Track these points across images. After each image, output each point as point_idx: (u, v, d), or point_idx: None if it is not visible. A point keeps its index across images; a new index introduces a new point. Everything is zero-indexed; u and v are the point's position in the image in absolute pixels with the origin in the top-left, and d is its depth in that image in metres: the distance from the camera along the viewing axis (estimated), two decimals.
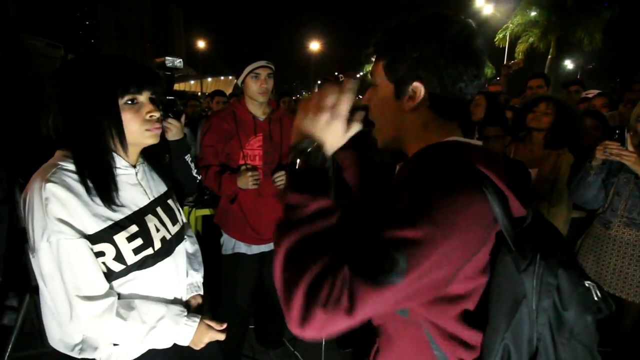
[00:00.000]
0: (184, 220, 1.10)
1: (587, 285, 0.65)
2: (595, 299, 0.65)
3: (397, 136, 0.71)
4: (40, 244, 0.77)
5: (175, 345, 0.94)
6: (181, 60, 1.23)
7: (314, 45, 28.53)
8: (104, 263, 0.84)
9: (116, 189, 0.85)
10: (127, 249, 0.86)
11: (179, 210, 1.06)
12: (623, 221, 1.63)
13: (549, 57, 15.47)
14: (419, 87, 0.65)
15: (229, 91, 6.41)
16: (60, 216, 0.77)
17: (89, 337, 0.86)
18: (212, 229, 2.07)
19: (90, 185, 0.81)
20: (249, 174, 1.70)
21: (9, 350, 1.69)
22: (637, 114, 1.59)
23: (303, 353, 2.20)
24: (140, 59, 1.02)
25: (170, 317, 0.91)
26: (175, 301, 1.00)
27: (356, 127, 0.64)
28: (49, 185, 0.77)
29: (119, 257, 0.85)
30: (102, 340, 0.87)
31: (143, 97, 0.86)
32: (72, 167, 0.82)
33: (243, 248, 1.85)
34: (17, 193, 1.66)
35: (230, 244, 1.87)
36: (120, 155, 0.89)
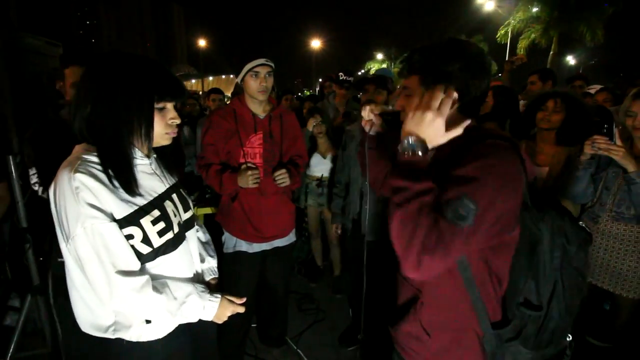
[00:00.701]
0: (193, 209, 1.18)
1: (580, 224, 0.91)
2: (585, 234, 0.88)
3: None
4: (76, 230, 0.82)
5: (191, 327, 1.03)
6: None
7: (316, 43, 28.44)
8: (132, 246, 0.90)
9: (135, 179, 0.92)
10: (152, 231, 0.93)
11: (189, 198, 1.14)
12: (611, 215, 1.62)
13: (551, 53, 15.37)
14: (454, 95, 0.82)
15: (230, 90, 6.40)
16: (91, 202, 0.83)
17: (123, 315, 0.92)
18: (213, 227, 2.07)
19: (112, 174, 0.87)
20: (250, 172, 1.69)
21: (11, 350, 1.69)
22: (625, 108, 1.57)
23: (306, 351, 2.20)
24: None
25: (196, 293, 0.98)
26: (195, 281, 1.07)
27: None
28: (78, 175, 0.83)
29: (146, 240, 0.92)
30: (137, 317, 0.93)
31: (170, 105, 0.95)
32: (94, 159, 0.88)
33: (244, 246, 1.85)
34: (17, 193, 1.66)
35: (232, 242, 1.86)
36: (137, 148, 0.96)
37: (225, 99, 4.89)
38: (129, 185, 0.89)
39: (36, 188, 1.24)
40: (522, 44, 15.31)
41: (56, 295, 1.45)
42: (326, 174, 2.78)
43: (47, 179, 1.21)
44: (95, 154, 0.88)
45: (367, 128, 1.06)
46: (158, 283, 0.93)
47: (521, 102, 3.02)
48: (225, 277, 1.90)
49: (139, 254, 0.91)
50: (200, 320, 1.01)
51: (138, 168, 0.95)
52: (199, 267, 1.14)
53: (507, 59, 4.65)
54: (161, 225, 0.95)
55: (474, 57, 0.83)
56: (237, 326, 1.91)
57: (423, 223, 0.71)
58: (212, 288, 1.15)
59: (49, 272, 1.45)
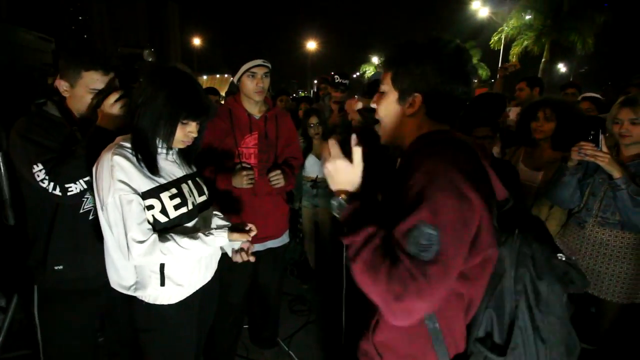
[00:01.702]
0: (208, 194, 1.35)
1: (559, 257, 0.74)
2: (567, 271, 0.73)
3: (397, 134, 0.86)
4: (108, 199, 1.06)
5: (201, 305, 1.29)
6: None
7: (311, 45, 28.47)
8: (153, 216, 1.12)
9: (156, 163, 1.15)
10: (169, 205, 1.15)
11: (205, 186, 1.34)
12: (597, 221, 1.64)
13: (543, 60, 15.62)
14: (418, 98, 0.79)
15: (224, 89, 6.36)
16: (121, 178, 1.06)
17: (142, 276, 1.17)
18: None
19: (140, 157, 1.11)
20: (244, 172, 1.69)
21: None
22: (612, 116, 1.60)
23: (297, 353, 2.19)
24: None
25: (202, 233, 1.16)
26: (202, 260, 1.26)
27: (357, 150, 0.77)
28: (115, 157, 1.07)
29: (164, 211, 1.14)
30: (152, 277, 1.16)
31: (193, 123, 1.16)
32: (128, 144, 1.12)
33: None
34: (5, 187, 1.62)
35: None
36: (161, 141, 1.18)
37: (220, 99, 4.86)
38: (151, 167, 1.13)
39: (45, 185, 1.19)
40: (515, 51, 15.52)
41: (41, 312, 1.37)
42: (321, 175, 2.78)
43: (58, 174, 1.20)
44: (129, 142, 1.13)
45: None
46: (163, 238, 1.10)
47: (514, 108, 3.06)
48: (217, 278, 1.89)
49: (157, 222, 1.12)
50: (204, 302, 1.22)
51: (160, 156, 1.18)
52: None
53: (500, 65, 4.73)
54: (177, 200, 1.17)
55: (449, 59, 0.77)
56: (229, 327, 1.89)
57: (382, 271, 0.64)
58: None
59: (34, 287, 1.35)
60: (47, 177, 1.19)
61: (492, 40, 16.32)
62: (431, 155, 0.70)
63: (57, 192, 1.21)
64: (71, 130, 1.30)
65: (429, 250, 0.62)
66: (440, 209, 0.64)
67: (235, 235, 1.21)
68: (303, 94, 14.43)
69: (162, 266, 1.16)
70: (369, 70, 29.03)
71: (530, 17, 15.33)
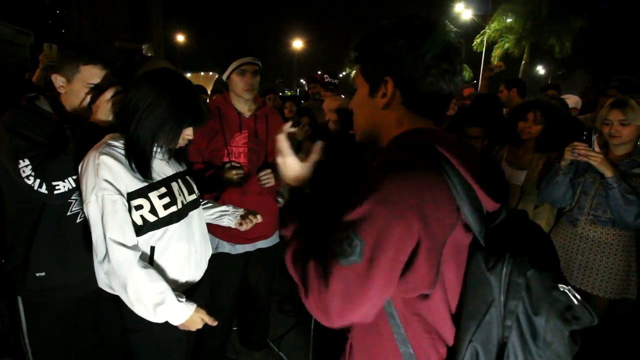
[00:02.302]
0: (198, 193, 1.33)
1: (561, 289, 0.60)
2: (572, 304, 0.59)
3: (373, 133, 0.74)
4: (90, 197, 1.03)
5: None
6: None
7: (297, 44, 28.34)
8: (142, 215, 1.09)
9: (150, 168, 1.12)
10: (158, 204, 1.12)
11: (194, 184, 1.31)
12: (589, 219, 1.70)
13: (523, 62, 16.09)
14: (389, 83, 0.67)
15: (209, 87, 6.25)
16: (106, 178, 1.03)
17: (117, 278, 1.06)
18: None
19: (132, 159, 1.07)
20: (234, 171, 1.66)
21: None
22: (602, 117, 1.66)
23: (288, 354, 2.17)
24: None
25: (172, 294, 1.08)
26: (192, 258, 1.24)
27: (314, 156, 0.76)
28: (102, 157, 1.04)
29: (153, 211, 1.11)
30: (127, 286, 1.06)
31: (191, 128, 1.16)
32: (118, 144, 1.09)
33: (227, 247, 1.80)
34: None
35: (214, 243, 1.80)
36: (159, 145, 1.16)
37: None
38: (145, 172, 1.10)
39: (30, 182, 1.12)
40: (497, 53, 15.93)
41: (30, 322, 1.29)
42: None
43: (45, 170, 1.13)
44: (122, 140, 1.10)
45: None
46: (144, 265, 1.06)
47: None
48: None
49: (145, 222, 1.10)
50: (195, 301, 1.13)
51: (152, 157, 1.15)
52: (200, 243, 1.29)
53: (482, 66, 4.83)
54: (166, 200, 1.15)
55: (418, 32, 0.64)
56: (219, 329, 1.85)
57: (299, 264, 0.64)
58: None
59: (17, 297, 1.27)
60: (33, 174, 1.11)
61: (474, 43, 16.68)
62: (385, 163, 0.61)
63: (43, 189, 1.13)
64: (62, 126, 1.24)
65: (347, 258, 0.57)
66: (370, 220, 0.57)
67: (197, 320, 1.13)
68: (289, 93, 14.35)
69: (150, 264, 1.12)
70: (355, 70, 29.10)
71: (511, 20, 15.76)
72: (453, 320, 0.67)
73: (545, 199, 1.78)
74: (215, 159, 1.73)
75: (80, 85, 1.24)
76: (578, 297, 0.61)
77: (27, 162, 1.12)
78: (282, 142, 0.76)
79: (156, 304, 1.04)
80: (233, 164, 1.73)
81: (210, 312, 1.16)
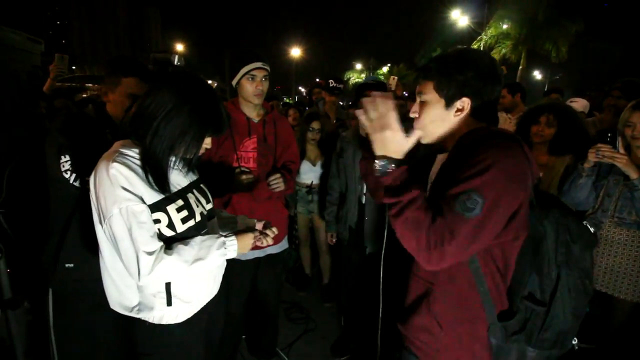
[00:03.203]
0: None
1: (584, 223, 0.96)
2: (590, 234, 0.93)
3: (444, 135, 0.96)
4: (113, 211, 0.94)
5: (208, 320, 1.20)
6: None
7: (296, 52, 28.57)
8: (159, 229, 1.02)
9: (167, 180, 1.04)
10: (176, 218, 1.05)
11: (208, 192, 1.25)
12: (614, 221, 1.68)
13: (520, 67, 16.24)
14: (467, 102, 0.91)
15: None
16: (125, 187, 0.96)
17: (146, 297, 1.05)
18: None
19: (149, 171, 1.00)
20: (244, 176, 1.65)
21: None
22: (624, 119, 1.65)
23: None
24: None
25: (211, 239, 1.07)
26: (211, 273, 1.19)
27: (416, 136, 0.88)
28: (116, 165, 0.96)
29: (170, 225, 1.04)
30: (159, 296, 1.05)
31: (210, 137, 1.10)
32: (131, 153, 1.01)
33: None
34: None
35: None
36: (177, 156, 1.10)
37: None
38: (162, 184, 1.02)
39: (67, 176, 1.25)
40: None
41: (57, 316, 1.34)
42: (316, 181, 2.76)
43: (80, 166, 1.23)
44: (135, 149, 1.02)
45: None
46: (169, 247, 1.02)
47: (499, 113, 3.14)
48: None
49: (162, 237, 1.02)
50: (212, 317, 1.15)
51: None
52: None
53: None
54: (184, 213, 1.08)
55: (486, 65, 0.91)
56: (228, 338, 1.83)
57: (423, 223, 0.79)
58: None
59: (49, 290, 1.33)
60: (70, 169, 1.25)
61: None
62: (492, 146, 0.83)
63: (77, 184, 1.24)
64: (104, 131, 1.37)
65: (471, 212, 0.76)
66: (491, 184, 0.78)
67: (247, 240, 1.15)
68: (288, 100, 14.43)
69: (167, 284, 1.06)
70: (353, 77, 29.37)
71: (507, 26, 15.96)
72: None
73: (568, 202, 1.76)
74: (225, 164, 1.72)
75: (121, 96, 1.38)
76: (592, 228, 0.98)
77: (67, 157, 1.25)
78: (392, 115, 0.83)
79: (202, 257, 1.04)
80: (243, 169, 1.72)
81: (227, 320, 1.16)
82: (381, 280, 1.12)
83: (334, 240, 2.39)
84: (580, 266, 0.90)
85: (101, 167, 0.97)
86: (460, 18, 17.97)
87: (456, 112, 0.92)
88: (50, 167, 1.27)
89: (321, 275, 2.95)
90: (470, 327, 0.92)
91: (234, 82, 1.70)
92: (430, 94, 0.93)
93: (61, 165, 1.24)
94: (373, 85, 2.05)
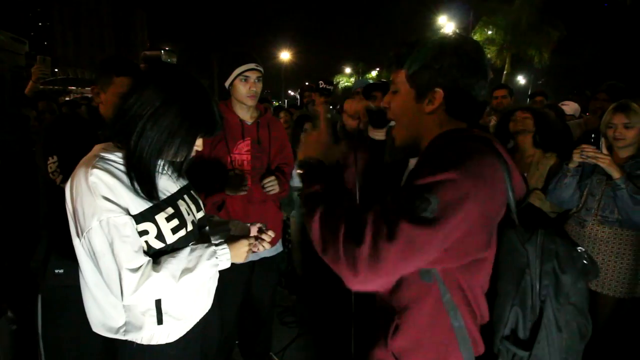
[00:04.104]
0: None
1: (579, 250, 0.78)
2: (585, 262, 0.77)
3: (415, 135, 0.82)
4: (92, 223, 0.84)
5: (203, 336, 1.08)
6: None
7: (285, 55, 28.64)
8: (146, 242, 0.92)
9: (155, 187, 0.95)
10: (166, 228, 0.95)
11: (199, 199, 1.15)
12: (597, 219, 1.73)
13: (505, 72, 16.65)
14: (439, 93, 0.76)
15: None
16: (107, 196, 0.85)
17: (135, 316, 0.95)
18: None
19: (134, 177, 0.90)
20: (238, 179, 1.63)
21: None
22: (606, 121, 1.72)
23: None
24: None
25: (200, 249, 0.98)
26: (204, 287, 1.10)
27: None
28: (96, 171, 0.86)
29: (159, 236, 0.94)
30: (148, 315, 0.95)
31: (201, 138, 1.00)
32: (113, 157, 0.91)
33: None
34: None
35: None
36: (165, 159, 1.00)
37: None
38: (150, 191, 0.93)
39: (55, 176, 1.23)
40: None
41: (46, 324, 1.29)
42: None
43: (68, 168, 1.15)
44: (118, 153, 0.92)
45: (349, 124, 0.98)
46: (155, 261, 0.93)
47: (494, 117, 3.19)
48: None
49: (150, 249, 0.93)
50: (207, 332, 1.06)
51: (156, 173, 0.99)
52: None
53: None
54: (175, 222, 0.98)
55: (467, 53, 0.75)
56: (222, 345, 1.79)
57: (334, 223, 0.68)
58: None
59: (38, 296, 1.29)
60: (58, 170, 1.23)
61: None
62: (462, 147, 0.70)
63: (64, 184, 1.18)
64: (96, 132, 1.31)
65: (423, 212, 0.62)
66: (455, 189, 0.63)
67: (242, 248, 1.05)
68: (277, 104, 14.41)
69: (158, 301, 0.97)
70: (342, 81, 29.56)
71: (491, 32, 16.37)
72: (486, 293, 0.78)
73: (553, 201, 1.82)
74: (219, 167, 1.70)
75: (113, 96, 1.33)
76: (587, 255, 0.78)
77: (55, 159, 1.24)
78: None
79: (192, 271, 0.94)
80: (236, 171, 1.70)
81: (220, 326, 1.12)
82: (353, 301, 1.01)
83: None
84: (572, 301, 0.75)
85: (79, 173, 0.87)
86: (446, 24, 18.34)
87: (428, 105, 0.78)
88: (41, 168, 1.25)
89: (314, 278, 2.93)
90: None
91: (227, 83, 1.69)
92: (401, 84, 0.80)
93: (49, 167, 1.22)
94: (379, 85, 2.10)
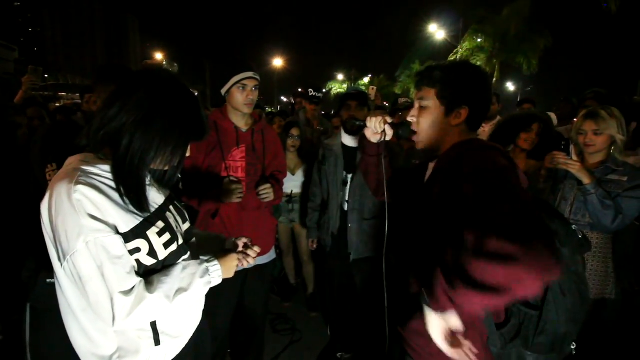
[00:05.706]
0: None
1: (573, 228, 0.97)
2: (579, 237, 0.95)
3: (439, 143, 1.02)
4: (77, 245, 0.76)
5: (195, 346, 1.05)
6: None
7: (278, 62, 28.73)
8: (137, 260, 0.86)
9: (146, 199, 0.89)
10: (158, 243, 0.90)
11: (183, 209, 1.10)
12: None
13: (494, 79, 16.95)
14: (465, 110, 0.97)
15: None
16: (93, 214, 0.78)
17: (129, 340, 0.88)
18: None
19: (123, 192, 0.84)
20: (233, 186, 1.63)
21: None
22: (577, 128, 1.78)
23: None
24: (91, 70, 1.36)
25: (193, 266, 0.94)
26: (197, 304, 1.08)
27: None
28: (80, 187, 0.77)
29: (152, 252, 0.88)
30: (142, 342, 0.89)
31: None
32: (95, 170, 0.84)
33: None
34: None
35: None
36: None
37: None
38: (141, 204, 0.87)
39: None
40: None
41: (34, 334, 1.26)
42: (296, 189, 2.76)
43: None
44: (101, 166, 0.85)
45: (375, 138, 1.15)
46: (149, 282, 0.88)
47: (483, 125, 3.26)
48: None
49: (141, 267, 0.87)
50: (199, 343, 1.02)
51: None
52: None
53: None
54: (167, 236, 0.93)
55: (484, 79, 0.98)
56: (213, 355, 1.77)
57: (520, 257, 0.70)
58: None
59: (26, 304, 1.25)
60: None
61: (448, 61, 17.48)
62: (483, 161, 0.86)
63: None
64: None
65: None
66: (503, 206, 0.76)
67: (232, 263, 1.04)
68: (270, 110, 14.43)
69: (153, 321, 0.92)
70: (335, 87, 29.74)
71: (481, 40, 16.69)
72: None
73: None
74: (213, 174, 1.70)
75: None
76: (581, 232, 0.98)
77: (54, 166, 1.22)
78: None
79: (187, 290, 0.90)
80: (232, 178, 1.70)
81: (213, 335, 1.09)
82: (384, 283, 1.11)
83: (314, 245, 2.39)
84: (572, 270, 0.91)
85: (59, 190, 0.77)
86: (437, 32, 18.65)
87: (454, 119, 0.98)
88: (35, 176, 1.23)
89: (306, 285, 2.93)
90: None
91: (223, 91, 1.69)
92: (431, 100, 0.99)
93: (47, 175, 1.20)
94: (355, 95, 2.10)
